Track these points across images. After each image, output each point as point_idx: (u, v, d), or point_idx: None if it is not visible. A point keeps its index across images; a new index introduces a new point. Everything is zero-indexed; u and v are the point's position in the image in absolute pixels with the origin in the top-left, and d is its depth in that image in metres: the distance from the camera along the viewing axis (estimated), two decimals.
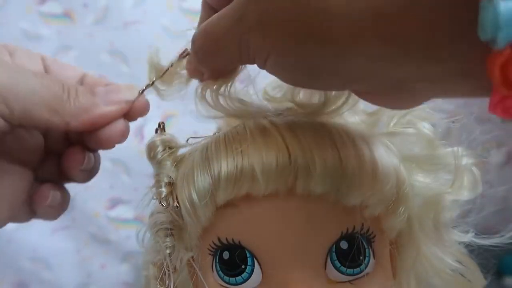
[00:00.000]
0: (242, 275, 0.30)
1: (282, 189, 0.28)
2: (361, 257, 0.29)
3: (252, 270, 0.29)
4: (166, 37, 1.14)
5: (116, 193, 1.14)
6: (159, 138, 0.34)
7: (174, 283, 0.31)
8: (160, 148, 0.34)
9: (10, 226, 1.08)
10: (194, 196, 0.29)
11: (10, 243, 1.09)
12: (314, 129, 0.29)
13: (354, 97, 0.30)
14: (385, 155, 0.30)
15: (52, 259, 1.12)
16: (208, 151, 0.30)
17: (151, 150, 0.34)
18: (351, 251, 0.29)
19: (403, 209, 0.30)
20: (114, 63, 1.14)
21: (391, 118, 0.33)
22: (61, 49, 1.14)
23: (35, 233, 1.11)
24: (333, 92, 0.31)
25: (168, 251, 0.31)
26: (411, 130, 0.32)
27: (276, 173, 0.27)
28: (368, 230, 0.29)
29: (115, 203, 1.14)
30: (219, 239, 0.30)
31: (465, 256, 0.33)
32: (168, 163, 0.33)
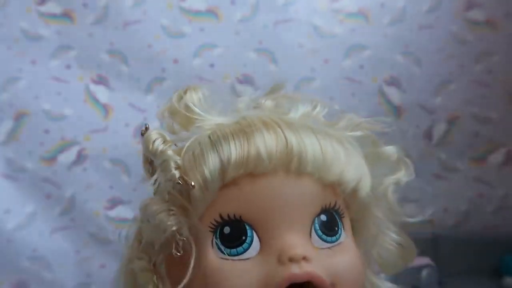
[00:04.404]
0: (243, 246, 0.34)
1: (280, 168, 0.35)
2: (336, 228, 0.36)
3: (252, 240, 0.34)
4: (166, 37, 1.15)
5: (116, 193, 1.14)
6: (155, 131, 0.38)
7: (193, 256, 0.34)
8: (159, 140, 0.37)
9: (10, 226, 1.08)
10: (207, 173, 0.34)
11: (10, 243, 1.09)
12: (300, 125, 0.37)
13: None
14: (350, 147, 0.39)
15: (52, 259, 1.12)
16: (215, 138, 0.36)
17: (150, 142, 0.37)
18: (328, 223, 0.36)
19: (364, 189, 0.38)
20: (114, 63, 1.14)
21: (347, 125, 0.41)
22: (61, 49, 1.14)
23: (35, 233, 1.11)
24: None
25: (174, 228, 0.34)
26: (359, 133, 0.41)
27: (276, 155, 0.34)
28: (339, 207, 0.37)
29: (115, 203, 1.14)
30: (220, 216, 0.35)
31: (402, 232, 0.42)
32: (170, 152, 0.36)
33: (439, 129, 1.19)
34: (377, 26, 1.18)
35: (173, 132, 0.41)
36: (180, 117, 0.41)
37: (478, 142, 1.19)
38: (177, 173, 0.35)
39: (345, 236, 0.37)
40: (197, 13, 1.16)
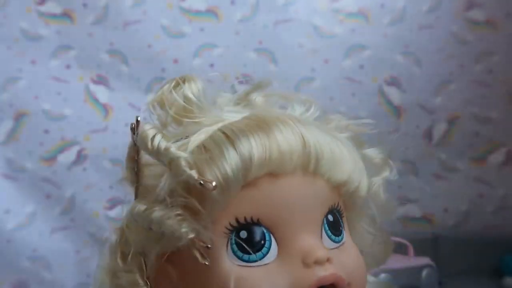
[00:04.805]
0: (262, 250, 0.32)
1: (299, 168, 0.34)
2: (340, 228, 0.36)
3: (270, 244, 0.33)
4: (166, 37, 1.15)
5: (116, 193, 1.13)
6: (150, 126, 0.34)
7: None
8: (159, 136, 0.33)
9: (10, 226, 1.09)
10: (230, 172, 0.32)
11: (10, 243, 1.09)
12: (308, 123, 0.36)
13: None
14: (350, 147, 0.38)
15: (52, 259, 1.12)
16: (231, 133, 0.33)
17: (148, 139, 0.33)
18: (334, 223, 0.36)
19: (364, 188, 0.38)
20: (114, 63, 1.14)
21: (336, 126, 0.41)
22: (61, 49, 1.14)
23: (35, 233, 1.11)
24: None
25: (192, 235, 0.31)
26: (346, 134, 0.40)
27: (296, 155, 0.33)
28: (340, 207, 0.37)
29: (114, 203, 1.14)
30: (237, 220, 0.32)
31: (380, 227, 0.42)
32: (175, 149, 0.32)
33: (439, 129, 1.19)
34: (377, 26, 1.18)
35: (165, 125, 0.38)
36: (176, 109, 0.37)
37: (478, 142, 1.19)
38: (194, 173, 0.31)
39: (346, 235, 0.37)
40: (197, 13, 1.16)
